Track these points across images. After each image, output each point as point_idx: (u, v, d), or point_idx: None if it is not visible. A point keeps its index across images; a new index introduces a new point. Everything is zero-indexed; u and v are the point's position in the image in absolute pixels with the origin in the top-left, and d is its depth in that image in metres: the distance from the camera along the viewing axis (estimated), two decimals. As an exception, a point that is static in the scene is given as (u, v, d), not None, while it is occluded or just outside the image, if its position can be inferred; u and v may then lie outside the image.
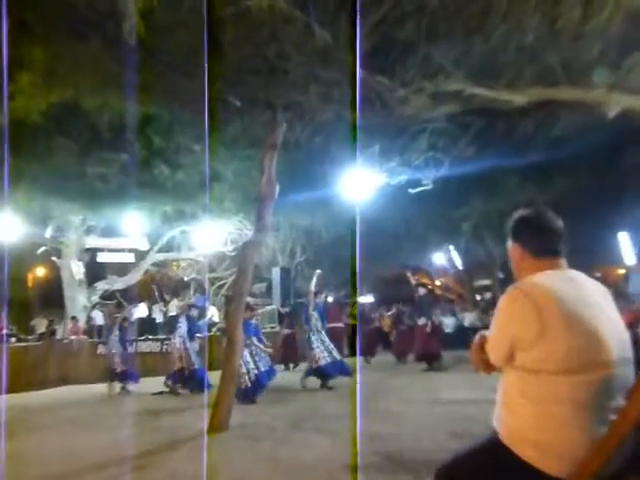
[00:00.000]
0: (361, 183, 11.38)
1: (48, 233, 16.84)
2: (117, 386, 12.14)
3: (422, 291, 14.63)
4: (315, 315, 11.06)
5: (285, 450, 6.32)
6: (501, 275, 24.17)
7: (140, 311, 18.68)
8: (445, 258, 27.98)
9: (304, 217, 18.92)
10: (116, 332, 12.44)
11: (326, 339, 10.98)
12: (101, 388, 12.49)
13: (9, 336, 15.43)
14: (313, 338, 10.85)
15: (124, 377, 12.18)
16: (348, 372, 10.83)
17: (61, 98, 8.81)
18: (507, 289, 2.42)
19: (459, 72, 7.79)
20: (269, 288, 20.90)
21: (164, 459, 6.21)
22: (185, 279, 21.14)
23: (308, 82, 8.10)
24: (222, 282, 20.90)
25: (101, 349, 14.82)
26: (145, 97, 8.65)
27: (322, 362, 10.64)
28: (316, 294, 11.48)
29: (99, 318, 18.54)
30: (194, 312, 12.45)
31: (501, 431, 2.41)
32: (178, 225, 17.65)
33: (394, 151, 10.44)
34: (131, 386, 12.22)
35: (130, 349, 12.94)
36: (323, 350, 10.71)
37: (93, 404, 10.85)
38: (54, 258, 17.32)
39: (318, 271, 12.06)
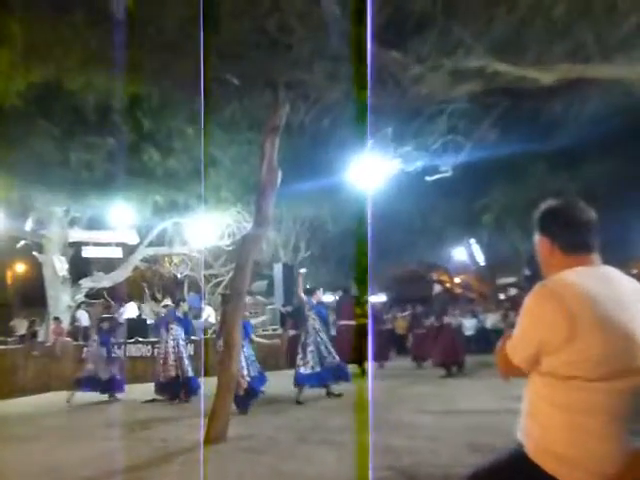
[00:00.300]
0: (372, 170, 11.37)
1: (28, 226, 16.92)
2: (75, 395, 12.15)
3: (438, 288, 14.61)
4: (312, 315, 11.00)
5: (288, 464, 6.34)
6: (527, 272, 24.05)
7: (129, 311, 18.75)
8: (465, 253, 27.95)
9: (309, 208, 18.94)
10: (94, 336, 12.51)
11: (324, 341, 10.87)
12: (86, 395, 12.55)
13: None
14: (308, 341, 10.78)
15: (109, 386, 12.23)
16: (345, 378, 10.77)
17: (42, 78, 8.83)
18: (534, 287, 2.42)
19: (481, 47, 7.75)
20: (270, 286, 20.93)
21: (156, 473, 6.24)
22: (178, 276, 21.20)
23: (313, 58, 8.08)
24: (219, 280, 20.93)
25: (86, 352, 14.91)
26: (134, 76, 8.66)
27: (301, 370, 10.58)
28: (312, 292, 11.40)
29: (84, 319, 18.60)
30: (180, 313, 12.39)
31: (526, 444, 2.41)
32: (170, 217, 17.67)
33: (409, 135, 10.42)
34: (118, 395, 12.28)
35: (115, 353, 12.97)
36: (314, 356, 10.64)
37: (79, 413, 10.90)
38: (35, 253, 17.39)
39: (302, 270, 12.03)
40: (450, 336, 13.79)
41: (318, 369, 10.59)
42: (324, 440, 7.44)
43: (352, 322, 14.79)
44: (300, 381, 10.54)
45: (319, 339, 10.80)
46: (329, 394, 10.80)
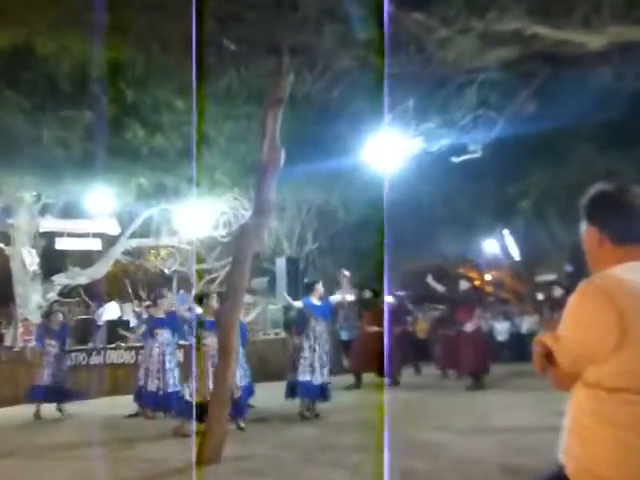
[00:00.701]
0: (390, 150, 11.35)
1: (-6, 213, 17.00)
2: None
3: (465, 285, 14.54)
4: (313, 317, 11.04)
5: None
6: (570, 268, 24.04)
7: (110, 312, 18.82)
8: (497, 246, 27.87)
9: (317, 193, 18.94)
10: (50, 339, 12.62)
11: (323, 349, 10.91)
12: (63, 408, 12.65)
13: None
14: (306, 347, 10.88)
15: (56, 395, 12.37)
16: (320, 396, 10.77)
17: (9, 42, 8.85)
18: (580, 284, 2.41)
19: (517, 6, 7.71)
20: (272, 283, 20.98)
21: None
22: (166, 272, 21.26)
23: (322, 19, 8.07)
24: (213, 276, 20.99)
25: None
26: (116, 39, 8.67)
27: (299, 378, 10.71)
28: (311, 288, 11.37)
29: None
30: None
31: (568, 464, 2.41)
32: (157, 203, 17.71)
33: (432, 109, 10.40)
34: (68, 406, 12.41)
35: (65, 360, 13.04)
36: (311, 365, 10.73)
37: (51, 428, 10.98)
38: (1, 245, 17.48)
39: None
40: (479, 341, 13.78)
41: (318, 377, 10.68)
42: (333, 461, 7.46)
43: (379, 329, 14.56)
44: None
45: (317, 346, 10.77)
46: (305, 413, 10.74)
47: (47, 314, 13.38)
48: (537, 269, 27.25)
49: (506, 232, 26.66)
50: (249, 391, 10.61)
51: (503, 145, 11.60)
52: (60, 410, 12.38)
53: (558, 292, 14.63)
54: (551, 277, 25.04)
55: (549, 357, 2.48)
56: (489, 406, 11.15)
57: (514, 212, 22.21)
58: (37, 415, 12.14)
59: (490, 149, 11.09)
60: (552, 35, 8.44)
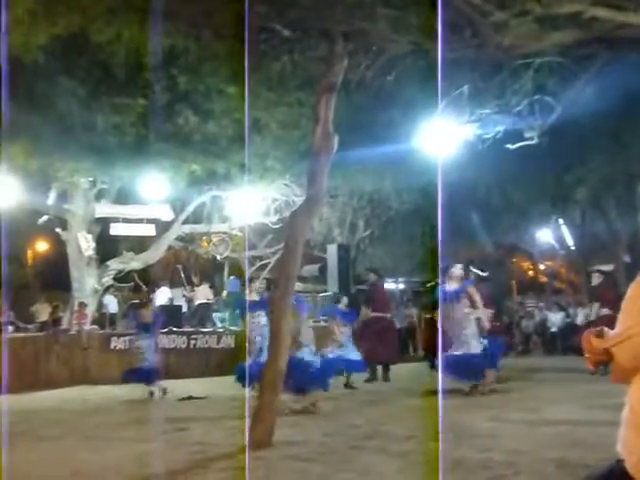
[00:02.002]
0: (444, 136, 11.23)
1: (51, 199, 17.32)
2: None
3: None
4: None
5: (343, 474, 6.38)
6: (628, 258, 23.57)
7: (161, 297, 19.08)
8: (553, 236, 27.45)
9: (369, 180, 18.86)
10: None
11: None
12: (114, 390, 12.87)
13: (6, 324, 16.02)
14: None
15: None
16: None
17: (65, 29, 8.98)
18: (638, 276, 2.36)
19: (577, -12, 7.55)
20: (323, 271, 21.00)
21: (191, 481, 6.37)
22: (217, 258, 21.45)
23: (376, 3, 8.01)
24: (264, 262, 21.12)
25: (115, 343, 15.27)
26: (168, 26, 8.73)
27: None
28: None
29: (112, 305, 19.05)
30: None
31: (627, 458, 2.36)
32: (209, 189, 17.86)
33: (488, 94, 10.25)
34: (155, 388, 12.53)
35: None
36: None
37: (105, 411, 11.20)
38: (58, 230, 17.82)
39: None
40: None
41: None
42: (383, 448, 7.45)
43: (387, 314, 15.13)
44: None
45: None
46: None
47: (139, 305, 13.53)
48: (593, 259, 26.76)
49: (561, 221, 26.26)
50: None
51: (560, 132, 11.40)
52: (152, 393, 12.50)
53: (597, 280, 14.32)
54: (608, 267, 24.59)
55: (605, 352, 2.43)
56: (543, 398, 11.02)
57: (571, 201, 21.84)
58: (151, 394, 12.36)
59: (547, 136, 10.89)
60: (612, 18, 8.24)
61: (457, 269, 11.83)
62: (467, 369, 11.34)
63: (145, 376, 12.35)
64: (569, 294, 26.62)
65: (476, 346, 11.43)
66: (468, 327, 11.46)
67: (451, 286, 11.65)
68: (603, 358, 2.43)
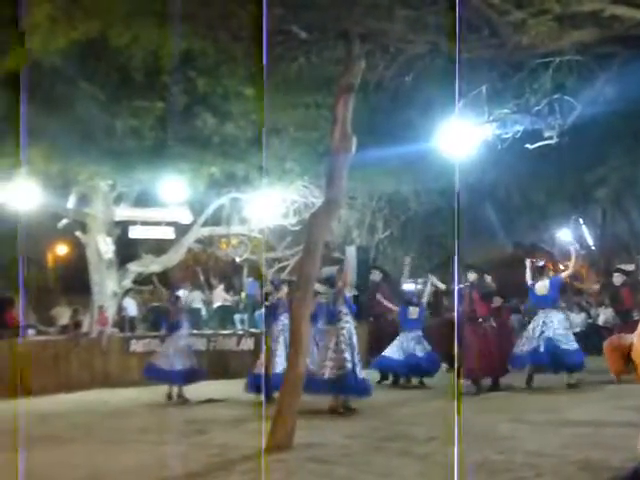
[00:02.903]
0: (463, 137, 11.19)
1: (70, 202, 17.43)
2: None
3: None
4: (344, 310, 10.96)
5: (363, 476, 6.38)
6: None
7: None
8: (573, 235, 27.25)
9: (388, 181, 18.81)
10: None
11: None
12: (134, 393, 12.93)
13: (27, 327, 16.14)
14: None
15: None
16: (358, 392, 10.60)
17: (84, 34, 9.03)
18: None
19: (596, -14, 7.51)
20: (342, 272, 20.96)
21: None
22: (237, 260, 21.49)
23: (393, 4, 8.00)
24: (283, 264, 21.13)
25: (135, 346, 15.35)
26: (186, 29, 8.76)
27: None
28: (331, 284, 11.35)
29: (132, 307, 19.14)
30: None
31: (651, 461, 2.34)
32: (228, 191, 17.89)
33: (507, 94, 10.21)
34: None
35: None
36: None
37: (125, 414, 11.25)
38: (78, 233, 17.92)
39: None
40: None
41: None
42: (404, 451, 7.45)
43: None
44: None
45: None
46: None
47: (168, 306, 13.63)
48: (614, 259, 26.57)
49: (582, 221, 26.09)
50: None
51: (580, 131, 11.32)
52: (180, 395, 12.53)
53: (619, 280, 14.26)
54: (629, 267, 24.40)
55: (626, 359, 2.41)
56: (566, 400, 10.97)
57: (591, 200, 21.70)
58: (169, 396, 12.44)
59: (566, 135, 10.83)
60: (631, 16, 8.18)
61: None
62: None
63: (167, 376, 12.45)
64: (590, 294, 26.40)
65: None
66: None
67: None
68: (624, 367, 2.42)
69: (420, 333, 13.81)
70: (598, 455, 6.64)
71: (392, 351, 13.52)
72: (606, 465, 6.04)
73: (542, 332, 12.33)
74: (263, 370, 11.49)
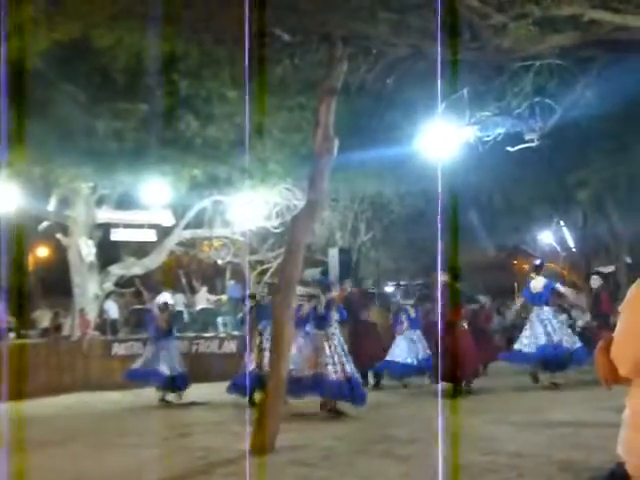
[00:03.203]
0: (445, 139, 11.25)
1: (51, 205, 17.34)
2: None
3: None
4: (336, 316, 10.91)
5: (346, 479, 6.40)
6: (629, 260, 23.55)
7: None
8: (554, 237, 27.45)
9: (370, 184, 18.86)
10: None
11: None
12: (115, 396, 12.88)
13: (7, 331, 16.02)
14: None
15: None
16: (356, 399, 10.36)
17: (66, 35, 9.00)
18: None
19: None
20: (325, 274, 21.02)
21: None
22: (219, 262, 21.46)
23: (376, 7, 8.03)
24: (265, 267, 21.13)
25: (116, 349, 15.29)
26: (169, 31, 8.76)
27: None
28: (326, 289, 11.26)
29: (113, 310, 19.05)
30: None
31: (627, 459, 2.37)
32: (210, 194, 17.86)
33: (488, 96, 10.27)
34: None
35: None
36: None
37: (108, 417, 11.22)
38: (59, 236, 17.84)
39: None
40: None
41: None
42: (387, 452, 7.47)
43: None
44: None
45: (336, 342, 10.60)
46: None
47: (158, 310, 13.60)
48: (594, 261, 26.77)
49: (562, 223, 26.27)
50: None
51: (561, 134, 11.41)
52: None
53: (596, 283, 14.38)
54: (609, 269, 24.61)
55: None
56: (548, 402, 11.03)
57: (572, 203, 21.83)
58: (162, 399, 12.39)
59: (547, 138, 10.91)
60: (610, 20, 8.26)
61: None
62: None
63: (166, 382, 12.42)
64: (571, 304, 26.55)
65: None
66: None
67: None
68: (613, 370, 2.42)
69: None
70: (578, 455, 6.69)
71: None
72: (586, 465, 6.10)
73: (546, 330, 12.47)
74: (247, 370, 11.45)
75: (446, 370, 11.70)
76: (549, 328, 12.51)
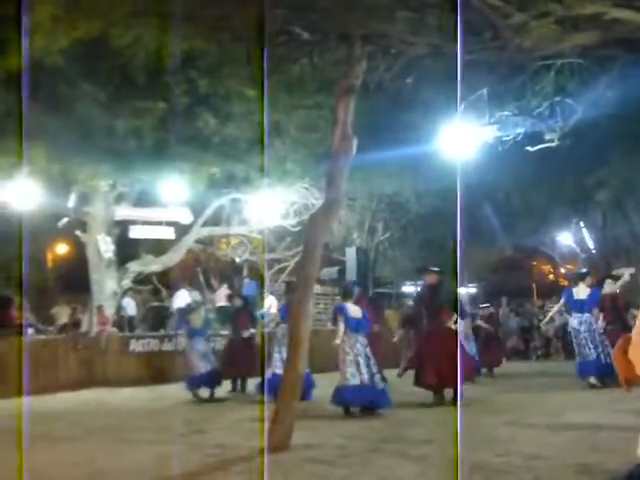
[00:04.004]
0: (464, 139, 11.21)
1: (71, 202, 17.45)
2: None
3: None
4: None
5: (360, 477, 6.38)
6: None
7: (180, 299, 19.14)
8: (574, 238, 27.29)
9: (388, 183, 18.86)
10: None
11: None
12: (133, 392, 12.94)
13: (26, 326, 16.14)
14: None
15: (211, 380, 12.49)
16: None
17: (86, 34, 9.05)
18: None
19: (598, -11, 7.52)
20: (342, 274, 21.00)
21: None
22: (237, 260, 21.50)
23: (395, 6, 8.00)
24: (282, 265, 21.16)
25: (134, 345, 15.35)
26: (188, 29, 8.78)
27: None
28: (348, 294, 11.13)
29: (131, 307, 19.15)
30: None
31: (647, 463, 2.35)
32: (228, 192, 17.93)
33: (508, 96, 10.22)
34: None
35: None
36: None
37: (123, 413, 11.26)
38: (78, 232, 17.95)
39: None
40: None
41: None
42: (402, 452, 7.45)
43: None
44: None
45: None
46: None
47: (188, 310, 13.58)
48: (615, 263, 26.56)
49: (582, 224, 26.10)
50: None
51: (581, 134, 11.34)
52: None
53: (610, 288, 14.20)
54: (629, 271, 24.39)
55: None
56: (566, 403, 10.97)
57: (592, 203, 21.70)
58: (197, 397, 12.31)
59: (567, 138, 10.84)
60: (633, 19, 8.19)
61: None
62: None
63: (207, 380, 12.40)
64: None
65: None
66: None
67: None
68: (632, 370, 2.40)
69: None
70: (596, 458, 6.64)
71: None
72: (603, 468, 6.04)
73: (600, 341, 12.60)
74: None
75: (423, 374, 11.12)
76: (597, 339, 12.57)
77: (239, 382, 13.33)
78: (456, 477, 6.06)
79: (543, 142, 10.86)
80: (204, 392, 12.25)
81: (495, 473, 6.38)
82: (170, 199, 17.42)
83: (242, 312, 13.96)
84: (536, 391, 12.50)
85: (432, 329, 11.38)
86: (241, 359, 13.02)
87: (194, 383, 12.29)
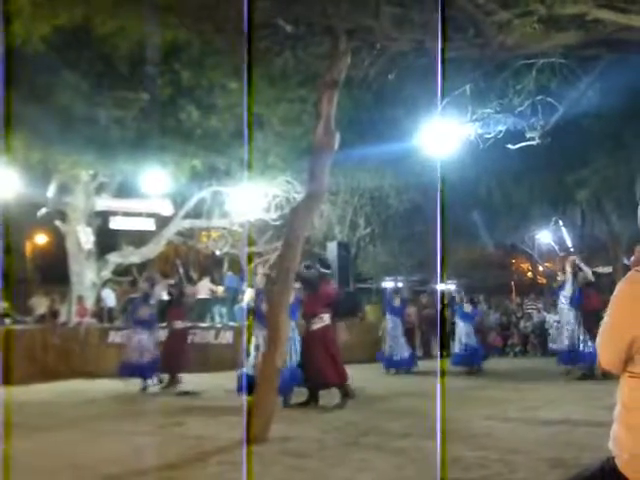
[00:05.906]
0: (445, 135, 11.24)
1: (51, 192, 17.34)
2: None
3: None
4: None
5: (337, 470, 6.41)
6: (627, 261, 23.53)
7: (159, 292, 19.07)
8: (553, 237, 27.46)
9: (370, 178, 18.90)
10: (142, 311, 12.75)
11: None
12: (112, 384, 12.88)
13: (2, 316, 16.04)
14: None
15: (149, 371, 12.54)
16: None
17: (68, 21, 9.00)
18: (628, 274, 2.38)
19: (580, -11, 7.57)
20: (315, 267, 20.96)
21: (189, 474, 6.40)
22: (217, 253, 21.46)
23: (379, 1, 8.02)
24: (263, 258, 21.14)
25: (113, 337, 15.29)
26: (171, 20, 8.75)
27: None
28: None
29: (110, 298, 19.07)
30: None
31: (618, 455, 2.38)
32: (209, 184, 17.88)
33: (490, 94, 10.26)
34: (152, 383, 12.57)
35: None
36: None
37: (103, 404, 11.23)
38: (58, 223, 17.84)
39: None
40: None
41: None
42: (379, 445, 7.49)
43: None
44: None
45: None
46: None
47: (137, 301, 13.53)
48: (593, 261, 26.77)
49: (561, 223, 26.27)
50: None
51: (562, 132, 11.41)
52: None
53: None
54: (607, 270, 24.62)
55: None
56: (542, 399, 11.04)
57: (571, 202, 21.85)
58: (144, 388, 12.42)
59: (548, 136, 10.91)
60: (614, 20, 8.26)
61: None
62: None
63: (141, 370, 12.43)
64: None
65: None
66: None
67: None
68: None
69: None
70: (570, 453, 6.71)
71: None
72: (577, 463, 6.10)
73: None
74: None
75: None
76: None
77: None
78: (444, 472, 6.10)
79: (524, 140, 10.91)
80: (137, 382, 12.36)
81: (470, 466, 6.43)
82: (151, 190, 17.35)
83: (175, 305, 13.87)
84: (512, 387, 12.58)
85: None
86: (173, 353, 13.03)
87: (126, 372, 12.47)
